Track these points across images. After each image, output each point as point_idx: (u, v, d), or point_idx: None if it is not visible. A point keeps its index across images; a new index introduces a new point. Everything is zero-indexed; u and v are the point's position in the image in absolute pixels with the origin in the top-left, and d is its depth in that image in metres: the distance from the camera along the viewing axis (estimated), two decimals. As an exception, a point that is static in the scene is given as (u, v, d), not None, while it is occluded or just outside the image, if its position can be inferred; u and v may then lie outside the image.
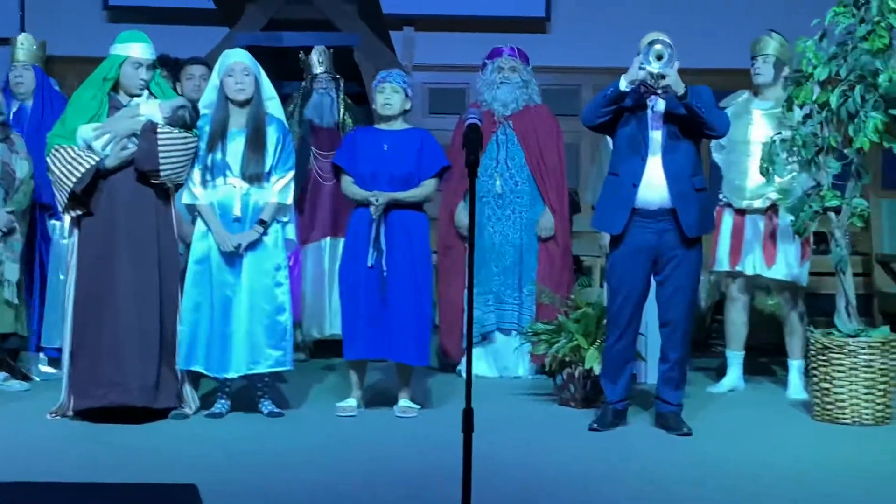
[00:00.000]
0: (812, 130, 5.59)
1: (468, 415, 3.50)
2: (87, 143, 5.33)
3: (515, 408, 5.84)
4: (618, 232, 5.26)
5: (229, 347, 5.44)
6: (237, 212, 5.45)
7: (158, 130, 5.32)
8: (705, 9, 9.38)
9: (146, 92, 5.47)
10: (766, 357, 7.13)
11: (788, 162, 5.69)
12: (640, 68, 5.07)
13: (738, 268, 6.25)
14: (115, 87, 5.46)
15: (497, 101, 6.71)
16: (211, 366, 5.45)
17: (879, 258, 8.05)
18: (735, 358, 6.40)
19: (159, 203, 5.44)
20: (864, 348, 5.40)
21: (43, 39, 7.06)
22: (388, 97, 5.64)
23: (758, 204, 6.17)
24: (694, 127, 5.18)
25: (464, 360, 6.73)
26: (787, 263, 6.17)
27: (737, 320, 6.39)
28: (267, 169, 5.48)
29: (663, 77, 5.06)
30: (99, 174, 5.32)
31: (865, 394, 5.41)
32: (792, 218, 5.72)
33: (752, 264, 6.21)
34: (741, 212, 6.24)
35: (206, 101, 5.59)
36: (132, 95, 5.46)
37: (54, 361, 6.24)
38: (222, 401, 5.54)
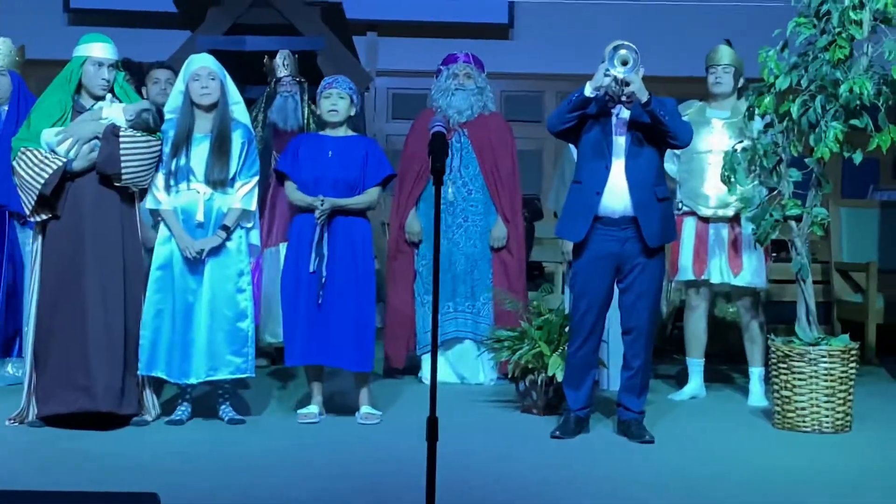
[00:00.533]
0: (773, 140, 5.63)
1: (433, 423, 3.49)
2: (50, 147, 5.28)
3: (477, 415, 5.84)
4: (579, 240, 5.27)
5: (190, 353, 5.40)
6: (200, 217, 5.42)
7: (121, 134, 5.28)
8: (668, 17, 9.44)
9: (110, 95, 5.43)
10: (726, 364, 7.17)
11: (749, 171, 5.73)
12: (605, 74, 5.09)
13: (703, 277, 6.27)
14: (79, 90, 5.41)
15: (452, 107, 6.70)
16: (172, 372, 5.41)
17: (838, 266, 8.11)
18: (696, 366, 6.43)
19: (124, 207, 5.40)
20: (824, 356, 5.44)
21: (22, 44, 6.97)
22: (335, 103, 5.63)
23: (724, 212, 6.21)
24: (657, 135, 5.20)
25: (425, 366, 6.75)
26: (753, 271, 6.21)
27: (697, 328, 6.42)
28: (231, 174, 5.45)
29: (628, 84, 5.08)
30: (66, 176, 5.28)
31: (826, 402, 5.44)
32: (752, 227, 5.75)
33: (719, 273, 6.25)
34: (705, 220, 6.27)
35: (172, 105, 5.55)
36: (96, 98, 5.42)
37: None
38: (183, 407, 5.50)
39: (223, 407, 5.52)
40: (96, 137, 5.29)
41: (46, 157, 5.26)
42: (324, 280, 5.50)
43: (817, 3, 5.41)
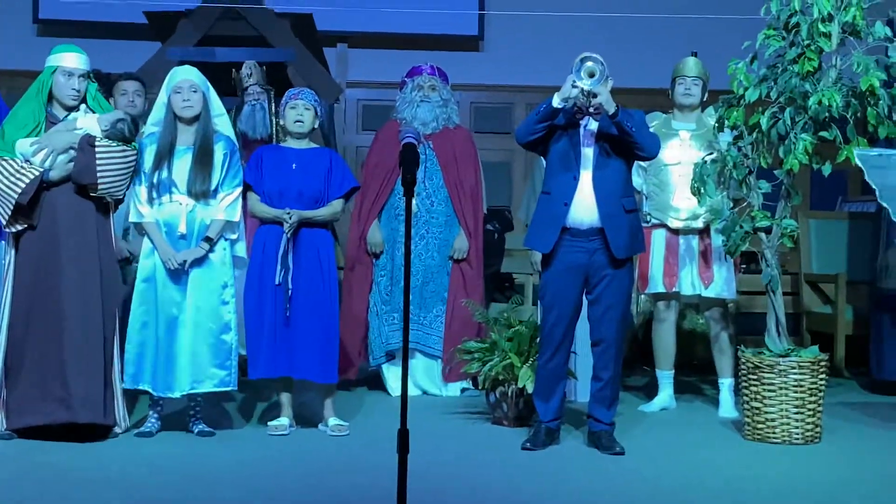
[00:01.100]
0: (743, 152, 5.65)
1: (403, 435, 3.48)
2: (25, 157, 5.24)
3: (448, 426, 5.82)
4: (547, 250, 5.28)
5: (174, 366, 5.37)
6: (182, 229, 5.40)
7: (97, 144, 5.25)
8: (636, 30, 9.47)
9: (84, 106, 5.40)
10: (696, 376, 7.18)
11: (719, 183, 5.75)
12: (573, 86, 5.10)
13: (674, 289, 6.29)
14: (51, 101, 5.38)
15: (416, 119, 6.70)
16: (157, 385, 5.38)
17: (808, 278, 8.15)
18: (665, 377, 6.44)
19: (99, 218, 5.37)
20: (794, 368, 5.45)
21: None
22: (301, 114, 5.63)
23: (694, 224, 6.23)
24: (625, 147, 5.21)
25: (389, 377, 6.73)
26: (723, 283, 6.23)
27: (666, 340, 6.43)
28: (214, 186, 5.44)
29: (595, 96, 5.10)
30: (42, 186, 5.25)
31: (796, 413, 5.46)
32: (723, 238, 5.77)
33: (690, 285, 6.26)
34: (674, 232, 6.29)
35: (154, 118, 5.54)
36: (68, 109, 5.38)
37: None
38: (153, 420, 5.46)
39: (194, 420, 5.49)
40: (72, 148, 5.26)
41: (23, 167, 5.23)
42: (290, 292, 5.47)
43: (786, 15, 5.44)
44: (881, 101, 5.34)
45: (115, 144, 5.29)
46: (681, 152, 6.26)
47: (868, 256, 7.54)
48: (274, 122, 6.91)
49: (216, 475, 4.73)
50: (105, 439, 5.26)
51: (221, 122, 5.59)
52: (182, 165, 5.41)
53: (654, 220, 6.33)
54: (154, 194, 5.40)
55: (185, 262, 5.35)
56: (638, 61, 8.92)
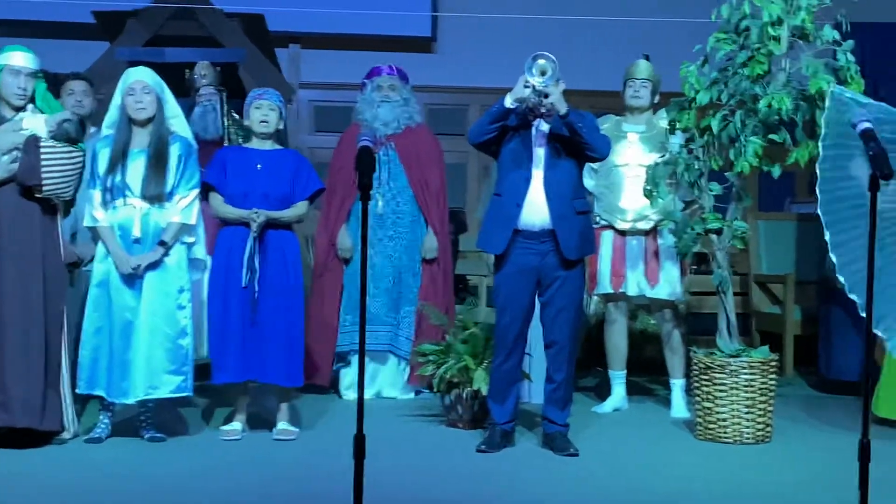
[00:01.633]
0: (694, 154, 5.69)
1: (360, 441, 3.47)
2: None
3: (403, 430, 5.81)
4: (499, 252, 5.28)
5: (129, 372, 5.31)
6: (137, 232, 5.34)
7: (42, 144, 5.18)
8: (589, 32, 9.52)
9: (31, 106, 5.32)
10: (648, 377, 7.22)
11: (670, 185, 5.79)
12: (525, 85, 5.11)
13: (621, 289, 6.32)
14: (-1, 101, 5.32)
15: (378, 120, 6.68)
16: (112, 391, 5.32)
17: (757, 278, 8.22)
18: (618, 378, 6.48)
19: (45, 220, 5.28)
20: (745, 368, 5.50)
21: None
22: (266, 115, 5.59)
23: (641, 225, 6.26)
24: (576, 148, 5.23)
25: (346, 381, 6.71)
26: (670, 283, 6.27)
27: (618, 340, 6.46)
28: (169, 188, 5.38)
29: (547, 95, 5.11)
30: (-14, 186, 5.18)
31: (747, 413, 5.50)
32: (674, 239, 5.81)
33: (636, 285, 6.30)
34: (622, 233, 6.32)
35: (109, 120, 5.47)
36: (15, 109, 5.30)
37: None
38: (103, 425, 5.40)
39: (144, 425, 5.44)
40: (16, 148, 5.18)
41: None
42: (256, 295, 5.43)
43: (737, 19, 5.48)
44: (830, 104, 5.39)
45: (60, 145, 5.22)
46: (630, 154, 6.30)
47: (816, 257, 7.62)
48: (226, 123, 6.86)
49: (166, 481, 4.68)
50: (46, 445, 5.18)
51: (177, 123, 5.53)
52: (136, 168, 5.35)
53: (602, 222, 6.37)
54: (108, 198, 5.34)
55: (139, 266, 5.30)
56: (591, 63, 8.96)
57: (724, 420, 5.53)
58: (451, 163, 8.85)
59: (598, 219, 6.38)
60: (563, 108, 5.13)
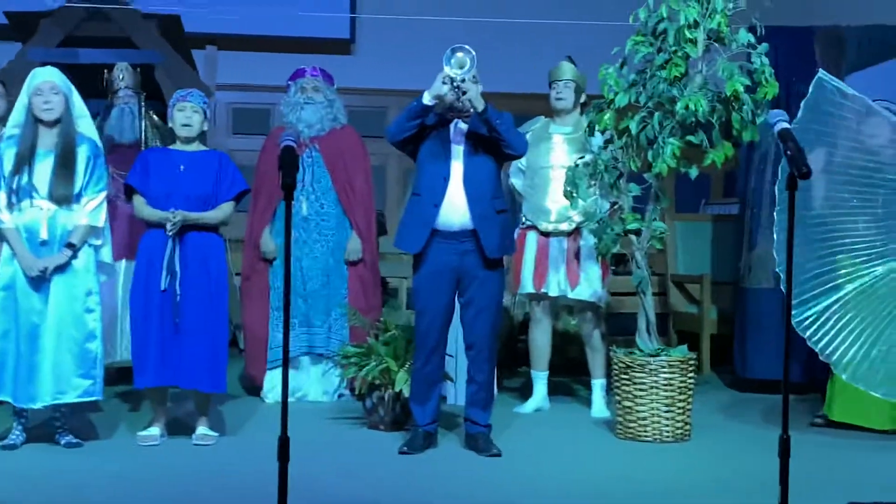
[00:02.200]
0: (613, 155, 5.74)
1: (284, 443, 3.44)
2: None
3: (324, 433, 5.78)
4: (417, 251, 5.28)
5: (36, 376, 5.21)
6: (44, 235, 5.24)
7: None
8: (509, 34, 9.55)
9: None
10: (569, 376, 7.27)
11: (590, 185, 5.83)
12: (443, 82, 5.12)
13: (542, 290, 6.36)
14: None
15: (302, 122, 6.65)
16: (18, 396, 5.21)
17: (674, 278, 8.33)
18: (540, 378, 6.51)
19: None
20: (664, 367, 5.56)
21: None
22: (189, 117, 5.52)
23: (564, 227, 6.30)
24: (494, 146, 5.25)
25: (269, 385, 6.66)
26: (590, 284, 6.31)
27: (541, 341, 6.50)
28: (77, 190, 5.29)
29: (464, 92, 5.12)
30: None
31: (666, 412, 5.56)
32: (595, 240, 5.85)
33: (557, 286, 6.34)
34: (546, 234, 6.36)
35: (14, 120, 5.37)
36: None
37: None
38: (18, 431, 5.30)
39: (61, 431, 5.34)
40: None
41: None
42: (178, 299, 5.36)
43: (654, 21, 5.55)
44: (745, 106, 5.48)
45: None
46: (555, 156, 6.33)
47: (731, 257, 7.74)
48: (143, 126, 6.77)
49: (84, 488, 4.60)
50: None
51: (84, 124, 5.44)
52: (43, 169, 5.26)
53: (528, 222, 6.40)
54: (14, 199, 5.24)
55: (46, 269, 5.20)
56: (510, 66, 9.00)
57: (644, 419, 5.58)
58: (371, 164, 8.83)
59: (524, 219, 6.42)
60: (480, 104, 5.15)
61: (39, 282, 5.22)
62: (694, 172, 5.65)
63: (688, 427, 5.64)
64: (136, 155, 6.56)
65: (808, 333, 5.28)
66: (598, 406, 6.36)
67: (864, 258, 5.33)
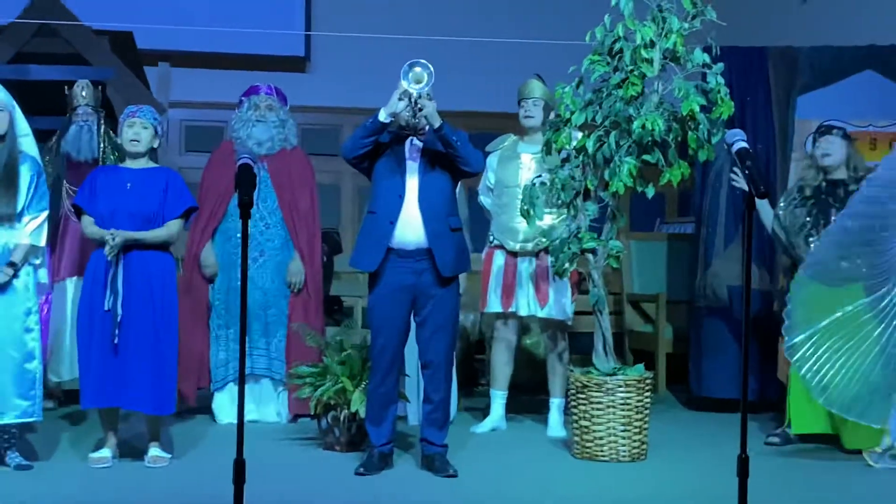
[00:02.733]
0: (570, 174, 5.73)
1: (239, 465, 3.38)
2: None
3: (279, 454, 5.71)
4: (372, 269, 5.24)
5: None
6: (-15, 253, 5.17)
7: None
8: (466, 53, 9.56)
9: None
10: (527, 395, 7.25)
11: (548, 205, 5.82)
12: (399, 98, 5.10)
13: (511, 309, 6.33)
14: None
15: (252, 139, 6.59)
16: None
17: (630, 298, 8.34)
18: (498, 398, 6.48)
19: None
20: (621, 386, 5.55)
21: None
22: (137, 133, 5.44)
23: (531, 246, 6.29)
24: (450, 163, 5.23)
25: (217, 405, 6.58)
26: (559, 303, 6.30)
27: (501, 360, 6.47)
28: (19, 209, 5.21)
29: (421, 109, 5.10)
30: None
31: (623, 431, 5.55)
32: (550, 259, 5.84)
33: (526, 305, 6.32)
34: (513, 254, 6.34)
35: None
36: None
37: None
38: (-36, 454, 5.20)
39: (9, 453, 5.24)
40: None
41: None
42: (119, 318, 5.28)
43: (610, 41, 5.55)
44: (701, 126, 5.49)
45: None
46: (523, 174, 6.32)
47: (686, 276, 7.76)
48: (102, 144, 6.69)
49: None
50: None
51: (27, 142, 5.36)
52: None
53: (495, 241, 6.39)
54: None
55: None
56: (467, 84, 9.00)
57: (601, 438, 5.57)
58: (325, 183, 8.81)
59: (491, 238, 6.40)
60: (436, 121, 5.14)
61: None
62: (651, 191, 5.65)
63: (644, 446, 5.64)
64: (94, 173, 6.51)
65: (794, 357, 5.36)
66: (555, 425, 6.34)
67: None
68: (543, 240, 6.17)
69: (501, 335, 6.47)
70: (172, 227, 5.43)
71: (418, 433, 5.51)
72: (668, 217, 10.17)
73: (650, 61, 5.51)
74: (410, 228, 5.20)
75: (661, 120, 5.45)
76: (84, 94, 6.79)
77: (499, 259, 6.38)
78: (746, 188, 6.22)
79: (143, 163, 5.49)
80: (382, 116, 5.15)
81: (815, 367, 5.35)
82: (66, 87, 6.85)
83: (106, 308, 5.27)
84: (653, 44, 5.50)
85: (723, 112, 5.49)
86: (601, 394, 5.55)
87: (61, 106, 6.84)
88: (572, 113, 5.62)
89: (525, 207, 5.75)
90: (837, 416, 5.68)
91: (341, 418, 5.75)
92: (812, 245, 5.90)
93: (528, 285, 6.32)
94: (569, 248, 5.67)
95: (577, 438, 5.67)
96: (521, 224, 6.18)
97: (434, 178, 5.25)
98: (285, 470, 5.32)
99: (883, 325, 5.35)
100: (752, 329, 5.11)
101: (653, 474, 5.35)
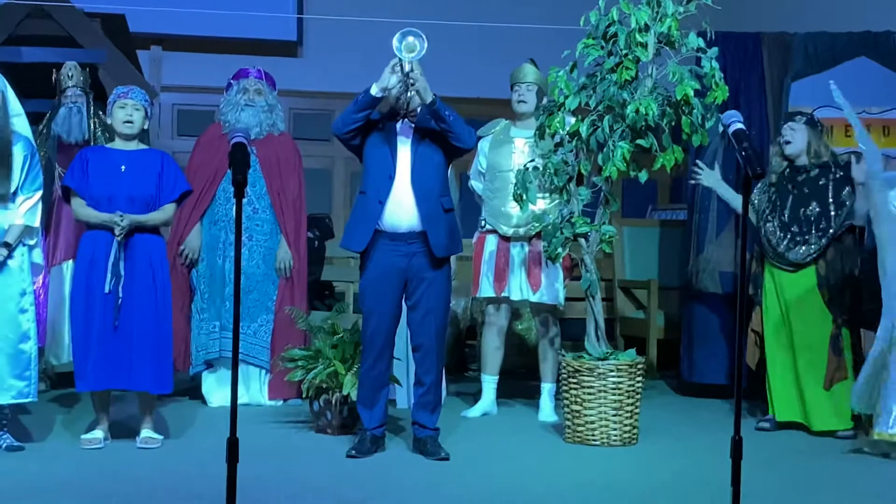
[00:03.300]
0: (563, 159, 5.72)
1: (233, 445, 3.38)
2: None
3: (271, 436, 5.72)
4: (362, 248, 5.23)
5: None
6: (-21, 233, 5.15)
7: None
8: (459, 38, 9.54)
9: None
10: (517, 380, 7.26)
11: (541, 189, 5.81)
12: (392, 71, 5.08)
13: (504, 294, 6.33)
14: None
15: (240, 123, 6.57)
16: None
17: (621, 284, 8.35)
18: (489, 382, 6.48)
19: None
20: (612, 371, 5.56)
21: None
22: (130, 114, 5.42)
23: (524, 231, 6.28)
24: (444, 142, 5.21)
25: (206, 387, 6.58)
26: (551, 288, 6.30)
27: (492, 345, 6.47)
28: (13, 189, 5.19)
29: (413, 83, 5.07)
30: None
31: (614, 415, 5.56)
32: (543, 243, 5.84)
33: (519, 290, 6.32)
34: (506, 238, 6.34)
35: None
36: None
37: None
38: (-47, 434, 5.19)
39: (1, 434, 5.23)
40: None
41: None
42: (120, 301, 5.26)
43: (605, 25, 5.54)
44: (695, 110, 5.49)
45: None
46: (516, 159, 6.31)
47: (678, 263, 7.77)
48: (92, 126, 6.67)
49: (27, 492, 4.50)
50: None
51: (19, 122, 5.35)
52: None
53: (487, 226, 6.38)
54: None
55: None
56: (461, 69, 8.98)
57: (592, 422, 5.57)
58: (317, 168, 8.81)
59: (483, 223, 6.39)
60: (428, 96, 5.12)
61: None
62: (644, 176, 5.64)
63: (635, 431, 5.64)
64: (85, 154, 6.48)
65: None
66: (546, 410, 6.35)
67: None
68: (536, 224, 6.16)
69: (493, 320, 6.47)
70: (168, 211, 5.44)
71: (409, 416, 5.52)
72: (659, 203, 10.17)
73: (644, 45, 5.50)
74: (402, 210, 5.18)
75: (655, 104, 5.45)
76: (72, 75, 6.76)
77: (491, 244, 6.37)
78: (705, 184, 6.38)
79: (135, 145, 5.48)
80: (374, 90, 5.12)
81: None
82: (53, 70, 6.82)
83: (106, 290, 5.25)
84: (647, 28, 5.50)
85: (717, 97, 5.49)
86: (593, 378, 5.56)
87: (52, 89, 6.82)
88: (566, 97, 5.61)
89: (518, 192, 5.74)
90: (808, 402, 5.92)
91: (333, 401, 5.75)
92: (768, 229, 6.00)
93: (520, 270, 6.32)
94: (561, 233, 5.66)
95: (568, 423, 5.68)
96: (514, 209, 6.17)
97: (426, 156, 5.23)
98: (277, 452, 5.32)
99: None
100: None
101: (644, 459, 5.36)
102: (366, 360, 5.32)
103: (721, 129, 5.05)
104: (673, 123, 5.55)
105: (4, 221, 5.20)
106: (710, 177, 6.39)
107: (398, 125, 5.26)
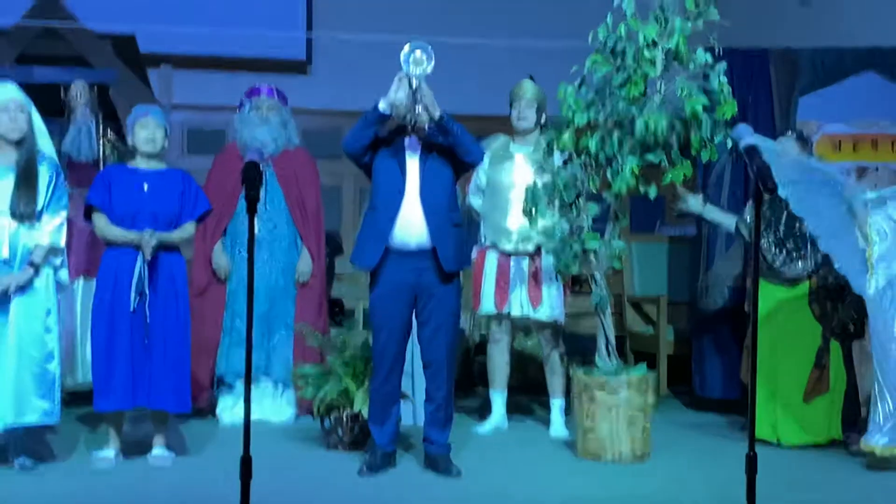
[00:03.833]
0: (572, 174, 5.73)
1: (246, 462, 3.39)
2: None
3: (283, 453, 5.71)
4: (372, 266, 5.23)
5: None
6: (5, 253, 5.17)
7: None
8: (465, 56, 9.57)
9: None
10: (528, 396, 7.25)
11: (550, 205, 5.82)
12: (399, 79, 5.09)
13: (505, 310, 6.34)
14: None
15: (256, 140, 6.60)
16: None
17: (630, 299, 8.34)
18: (498, 397, 6.48)
19: None
20: (624, 386, 5.55)
21: None
22: (153, 133, 5.45)
23: (524, 247, 6.29)
24: (452, 156, 5.22)
25: (222, 405, 6.58)
26: (552, 304, 6.30)
27: (499, 360, 6.48)
28: (39, 208, 5.22)
29: (421, 98, 5.09)
30: None
31: (626, 430, 5.55)
32: (553, 259, 5.84)
33: (519, 306, 6.32)
34: (507, 254, 6.34)
35: None
36: None
37: None
38: (-29, 454, 5.20)
39: (15, 452, 5.24)
40: None
41: None
42: (147, 320, 5.27)
43: (613, 41, 5.55)
44: (703, 125, 5.49)
45: None
46: (515, 175, 6.32)
47: (687, 278, 7.76)
48: (101, 145, 6.70)
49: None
50: None
51: (44, 142, 5.38)
52: (4, 186, 5.18)
53: (488, 242, 6.39)
54: None
55: (8, 287, 5.12)
56: (468, 88, 9.00)
57: (604, 438, 5.56)
58: (326, 185, 8.78)
59: (483, 238, 6.40)
60: (436, 111, 5.13)
61: (1, 300, 5.14)
62: (653, 192, 5.65)
63: (647, 446, 5.64)
64: (93, 173, 6.52)
65: None
66: (557, 426, 6.34)
67: None
68: (544, 240, 6.18)
69: (497, 336, 6.47)
70: (189, 229, 5.47)
71: (416, 433, 5.51)
72: (667, 219, 10.15)
73: (653, 61, 5.51)
74: (411, 227, 5.19)
75: (664, 119, 5.46)
76: (81, 95, 6.80)
77: (491, 259, 6.38)
78: (692, 211, 6.38)
79: (156, 163, 5.50)
80: (382, 106, 5.14)
81: None
82: (61, 90, 6.86)
83: (132, 309, 5.26)
84: (655, 44, 5.51)
85: (726, 112, 5.49)
86: (604, 393, 5.56)
87: (61, 108, 6.86)
88: (574, 113, 5.62)
89: (528, 207, 5.75)
90: (782, 416, 5.97)
91: (344, 418, 5.75)
92: (762, 245, 6.02)
93: (521, 286, 6.33)
94: (571, 249, 5.67)
95: (580, 438, 5.67)
96: (515, 224, 6.18)
97: (435, 172, 5.24)
98: (289, 469, 5.31)
99: None
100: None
101: (656, 474, 5.35)
102: (377, 376, 5.32)
103: (730, 144, 5.10)
104: (682, 139, 5.55)
105: (30, 241, 5.22)
106: (695, 204, 6.36)
107: (406, 141, 5.28)
